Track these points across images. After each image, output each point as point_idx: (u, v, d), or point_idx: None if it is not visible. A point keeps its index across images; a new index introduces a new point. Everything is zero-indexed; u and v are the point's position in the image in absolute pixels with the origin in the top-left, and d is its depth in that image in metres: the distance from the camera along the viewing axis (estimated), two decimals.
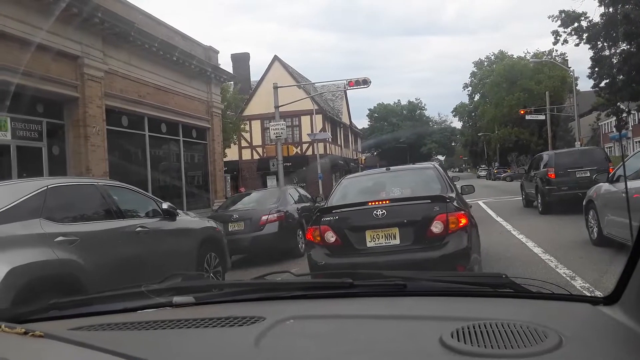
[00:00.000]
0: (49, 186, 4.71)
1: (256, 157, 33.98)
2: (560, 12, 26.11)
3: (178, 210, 6.36)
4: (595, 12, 26.54)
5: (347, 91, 36.91)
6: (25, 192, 4.49)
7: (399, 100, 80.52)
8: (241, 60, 35.08)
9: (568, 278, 5.67)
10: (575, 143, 28.95)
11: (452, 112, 78.50)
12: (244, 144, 33.00)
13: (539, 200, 13.19)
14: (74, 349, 1.15)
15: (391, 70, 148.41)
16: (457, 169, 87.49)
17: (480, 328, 1.09)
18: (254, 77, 36.15)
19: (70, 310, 1.54)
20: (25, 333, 1.24)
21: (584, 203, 8.14)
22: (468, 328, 1.09)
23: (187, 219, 6.70)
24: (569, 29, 26.12)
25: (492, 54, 64.90)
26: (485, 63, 64.52)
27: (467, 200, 6.66)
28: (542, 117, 36.23)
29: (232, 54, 35.13)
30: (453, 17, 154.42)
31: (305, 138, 32.44)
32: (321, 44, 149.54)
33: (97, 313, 1.50)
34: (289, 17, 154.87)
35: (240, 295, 1.56)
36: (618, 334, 1.08)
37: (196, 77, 15.35)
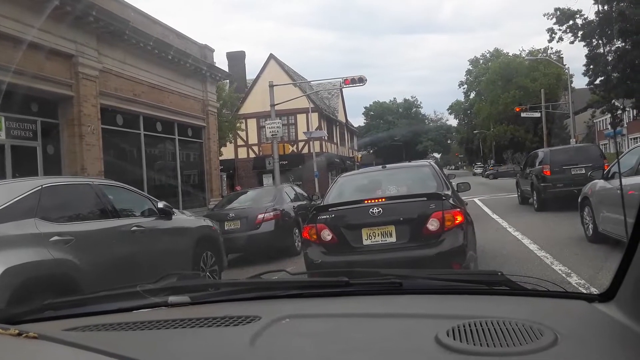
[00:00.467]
0: (43, 186, 4.69)
1: (252, 155, 33.93)
2: (556, 9, 26.23)
3: (174, 209, 6.34)
4: (590, 10, 26.68)
5: (343, 89, 36.89)
6: (19, 191, 4.47)
7: (394, 98, 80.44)
8: (237, 59, 34.97)
9: (564, 275, 5.70)
10: (571, 140, 29.04)
11: (448, 109, 78.78)
12: (239, 142, 32.94)
13: (535, 198, 13.24)
14: (69, 350, 1.14)
15: (388, 68, 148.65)
16: (453, 167, 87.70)
17: (476, 326, 1.09)
18: (250, 75, 36.11)
19: (65, 311, 1.53)
20: (19, 334, 1.23)
21: (579, 200, 8.18)
22: (464, 326, 1.09)
23: (183, 218, 6.69)
24: (564, 27, 26.25)
25: (487, 51, 65.04)
26: (481, 61, 64.65)
27: (462, 198, 6.68)
28: (537, 114, 36.32)
29: (227, 53, 35.04)
30: (450, 15, 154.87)
31: (301, 136, 32.41)
32: (318, 42, 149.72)
33: (92, 313, 1.49)
34: (286, 15, 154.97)
35: (236, 295, 1.55)
36: (613, 331, 1.08)
37: (192, 76, 15.31)
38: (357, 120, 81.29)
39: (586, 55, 25.13)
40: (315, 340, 1.16)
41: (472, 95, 66.96)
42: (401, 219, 4.97)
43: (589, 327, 1.14)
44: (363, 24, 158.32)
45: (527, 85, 47.48)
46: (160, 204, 5.95)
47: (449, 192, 5.45)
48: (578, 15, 26.21)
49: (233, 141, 29.50)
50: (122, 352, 1.09)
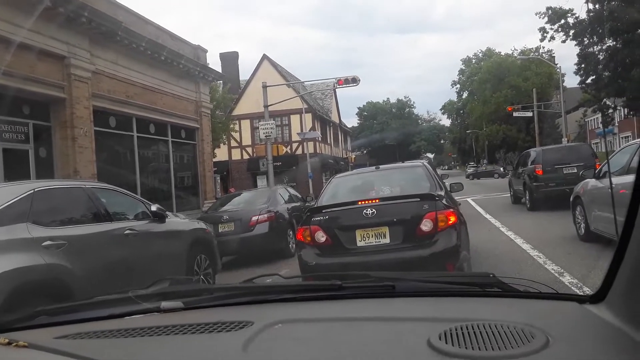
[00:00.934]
0: (35, 189, 4.65)
1: (246, 157, 33.87)
2: (548, 9, 26.36)
3: (167, 212, 6.32)
4: (581, 9, 26.83)
5: (336, 90, 36.89)
6: (11, 195, 4.43)
7: (388, 98, 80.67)
8: (230, 60, 34.89)
9: (556, 274, 5.73)
10: (562, 139, 29.22)
11: (441, 109, 78.97)
12: (233, 143, 32.87)
13: (527, 197, 13.30)
14: (59, 359, 1.13)
15: (381, 68, 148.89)
16: (446, 167, 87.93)
17: (467, 329, 1.10)
18: (243, 76, 36.04)
19: (56, 318, 1.52)
20: (9, 343, 1.22)
21: (571, 199, 8.23)
22: (456, 329, 1.09)
23: (177, 221, 6.67)
24: (555, 26, 26.37)
25: (480, 51, 65.40)
26: (473, 60, 64.92)
27: (456, 198, 6.70)
28: (529, 114, 36.51)
29: (220, 53, 34.94)
30: (443, 15, 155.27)
31: (294, 137, 32.39)
32: (312, 42, 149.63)
33: (84, 320, 1.48)
34: (280, 15, 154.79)
35: (228, 300, 1.55)
36: (604, 333, 1.09)
37: (185, 77, 15.26)
38: (351, 120, 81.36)
39: (577, 54, 25.28)
40: (308, 345, 1.16)
41: (465, 94, 67.23)
42: (395, 219, 4.98)
43: (580, 329, 1.15)
44: (357, 23, 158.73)
45: (519, 85, 47.74)
46: (154, 207, 5.93)
47: (442, 193, 5.47)
48: (569, 14, 26.35)
49: (227, 142, 29.43)
50: (114, 359, 1.09)
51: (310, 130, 30.85)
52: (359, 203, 5.16)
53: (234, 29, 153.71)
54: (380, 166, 6.77)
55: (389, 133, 68.77)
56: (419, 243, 4.89)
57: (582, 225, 7.60)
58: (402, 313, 1.33)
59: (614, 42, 22.73)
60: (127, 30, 11.79)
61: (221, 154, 28.98)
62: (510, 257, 7.08)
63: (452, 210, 5.03)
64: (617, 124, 40.61)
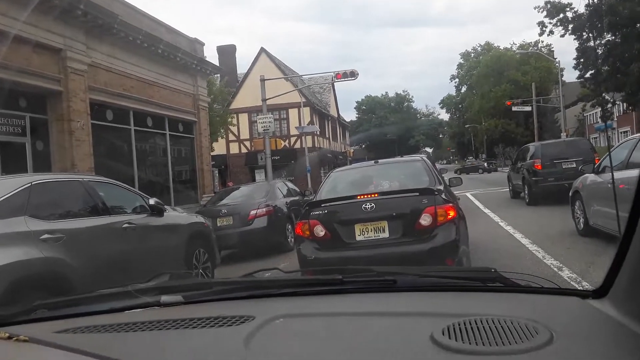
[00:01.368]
0: (33, 183, 4.63)
1: (244, 150, 33.83)
2: (546, 2, 26.27)
3: (165, 206, 6.30)
4: (580, 3, 26.69)
5: (334, 84, 36.80)
6: (8, 189, 4.41)
7: (386, 92, 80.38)
8: (227, 53, 34.77)
9: (555, 269, 5.73)
10: (561, 134, 29.23)
11: (440, 104, 79.10)
12: (231, 137, 32.82)
13: (526, 192, 13.32)
14: (60, 354, 1.12)
15: (380, 62, 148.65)
16: (445, 161, 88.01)
17: (471, 324, 1.09)
18: (241, 69, 35.93)
19: (56, 311, 1.52)
20: (10, 337, 1.21)
21: (570, 194, 8.23)
22: (459, 324, 1.09)
23: (175, 215, 6.66)
24: (554, 20, 26.30)
25: (479, 45, 65.34)
26: (472, 55, 64.89)
27: (454, 192, 6.69)
28: (528, 108, 36.49)
29: (218, 46, 34.82)
30: (442, 8, 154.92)
31: (293, 131, 32.36)
32: (310, 35, 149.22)
33: (84, 314, 1.47)
34: (277, 8, 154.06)
35: (229, 294, 1.54)
36: (608, 328, 1.08)
37: (182, 70, 15.19)
38: (349, 114, 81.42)
39: (576, 49, 25.24)
40: (309, 340, 1.15)
41: (464, 89, 67.25)
42: (394, 214, 4.97)
43: (584, 324, 1.14)
44: (355, 17, 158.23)
45: (518, 79, 47.73)
46: (152, 201, 5.91)
47: (442, 187, 5.46)
48: (568, 9, 26.28)
49: (225, 136, 29.38)
50: (114, 354, 1.08)
51: (308, 124, 30.82)
52: (358, 197, 5.15)
53: (231, 22, 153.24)
54: (379, 160, 6.75)
55: (388, 127, 68.77)
56: (418, 237, 4.88)
57: (581, 220, 7.61)
58: (404, 308, 1.33)
59: (613, 37, 22.68)
60: (124, 22, 11.72)
61: (219, 148, 28.95)
62: (509, 251, 7.08)
63: (451, 204, 5.03)
64: (616, 119, 40.68)
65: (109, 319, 1.39)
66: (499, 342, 1.00)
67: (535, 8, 26.87)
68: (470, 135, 68.02)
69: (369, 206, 4.99)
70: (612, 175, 6.50)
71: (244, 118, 32.75)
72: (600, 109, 35.26)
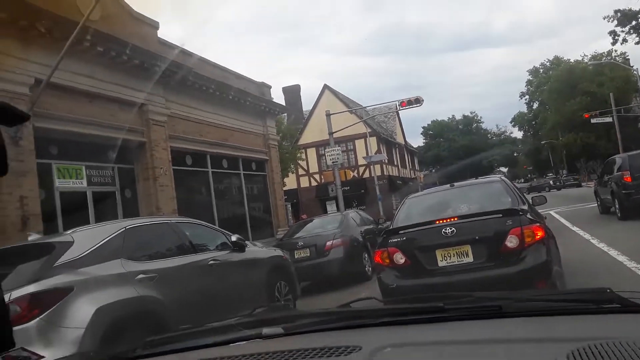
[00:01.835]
0: (127, 227, 4.96)
1: (314, 183, 34.30)
2: (616, 11, 25.10)
3: (246, 242, 6.49)
4: None
5: (399, 111, 36.70)
6: (105, 234, 4.75)
7: (453, 115, 78.65)
8: (293, 92, 35.90)
9: None
10: None
11: (511, 122, 76.08)
12: (301, 172, 33.45)
13: (617, 206, 12.43)
14: None
15: (444, 86, 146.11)
16: (522, 180, 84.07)
17: (597, 348, 1.02)
18: (306, 106, 36.88)
19: (164, 347, 1.58)
20: None
21: None
22: (584, 350, 1.02)
23: (256, 249, 6.82)
24: (627, 28, 24.98)
25: (547, 60, 62.80)
26: (541, 70, 62.47)
27: (540, 211, 6.38)
28: (608, 119, 34.38)
29: (283, 87, 36.05)
30: (504, 28, 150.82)
31: (361, 161, 32.46)
32: (371, 68, 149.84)
33: (191, 348, 1.53)
34: (338, 45, 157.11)
35: (329, 324, 1.53)
36: None
37: (252, 113, 15.84)
38: (416, 140, 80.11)
39: None
40: None
41: (535, 105, 64.56)
42: (477, 237, 4.81)
43: None
44: (415, 45, 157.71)
45: (594, 91, 45.19)
46: (234, 237, 6.11)
47: (526, 207, 5.23)
48: None
49: (295, 171, 29.98)
50: None
51: (376, 154, 30.80)
52: (437, 222, 5.04)
53: (294, 62, 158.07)
54: (455, 183, 6.59)
55: (458, 150, 67.07)
56: (505, 261, 4.68)
57: None
58: (514, 334, 1.26)
59: None
60: (197, 74, 12.48)
61: (290, 183, 29.55)
62: (606, 270, 6.59)
63: (538, 224, 4.80)
64: None
65: (214, 353, 1.43)
66: None
67: (604, 18, 25.73)
68: (547, 152, 64.82)
69: (449, 230, 4.86)
70: None
71: (312, 152, 33.37)
72: None
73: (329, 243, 9.56)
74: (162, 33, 12.36)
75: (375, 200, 27.76)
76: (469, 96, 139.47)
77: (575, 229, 11.70)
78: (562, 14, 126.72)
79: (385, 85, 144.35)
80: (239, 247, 6.09)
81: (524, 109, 69.45)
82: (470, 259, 4.80)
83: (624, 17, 25.10)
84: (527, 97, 66.16)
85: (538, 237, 4.67)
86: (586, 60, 49.09)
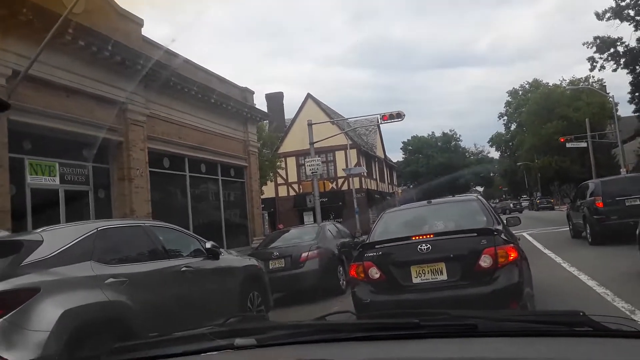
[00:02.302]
0: (98, 229, 4.84)
1: (292, 193, 34.25)
2: (595, 38, 25.86)
3: (221, 249, 6.40)
4: (631, 37, 26.03)
5: (380, 125, 37.01)
6: (75, 235, 4.62)
7: (433, 132, 79.64)
8: (275, 99, 35.93)
9: (628, 312, 5.38)
10: (621, 170, 27.94)
11: (489, 142, 77.39)
12: (279, 180, 33.37)
13: (588, 231, 12.69)
14: None
15: (425, 102, 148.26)
16: (497, 200, 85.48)
17: None
18: (288, 115, 36.90)
19: (135, 354, 1.54)
20: None
21: (637, 232, 7.77)
22: None
23: (230, 258, 6.74)
24: (605, 55, 25.76)
25: (526, 82, 64.26)
26: (520, 92, 63.89)
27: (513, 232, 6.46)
28: (583, 144, 35.28)
29: (266, 94, 36.08)
30: (487, 48, 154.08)
31: (340, 173, 32.57)
32: (355, 80, 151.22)
33: (160, 357, 1.50)
34: (323, 56, 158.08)
35: (303, 337, 1.52)
36: None
37: (233, 118, 15.76)
38: (396, 155, 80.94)
39: (630, 83, 24.46)
40: None
41: (513, 127, 65.88)
42: (451, 255, 4.84)
43: None
44: (399, 60, 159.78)
45: (570, 115, 46.37)
46: (208, 244, 6.03)
47: (500, 227, 5.29)
48: (619, 43, 25.70)
49: (273, 180, 29.89)
50: None
51: (355, 166, 30.93)
52: (413, 238, 5.06)
53: (278, 70, 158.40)
54: (432, 200, 6.64)
55: (436, 167, 67.86)
56: (478, 280, 4.71)
57: None
58: (488, 353, 1.27)
59: None
60: (180, 75, 12.37)
61: (268, 191, 29.42)
62: (575, 294, 6.71)
63: (512, 245, 4.85)
64: None
65: None
66: None
67: (584, 44, 26.47)
68: (523, 173, 66.08)
69: (425, 247, 4.88)
70: None
71: (291, 161, 33.34)
72: None
73: (304, 254, 9.51)
74: (146, 31, 12.26)
75: (352, 213, 27.83)
76: (449, 114, 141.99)
77: (546, 251, 11.90)
78: (543, 38, 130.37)
79: (368, 98, 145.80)
80: (213, 254, 6.00)
81: (502, 129, 70.85)
82: (445, 276, 4.82)
83: (603, 44, 25.89)
84: (505, 118, 67.59)
85: (511, 257, 4.72)
86: (564, 85, 50.40)
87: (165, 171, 12.57)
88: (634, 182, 12.96)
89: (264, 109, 21.85)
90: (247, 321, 2.06)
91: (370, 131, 39.87)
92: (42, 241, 4.31)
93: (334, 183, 33.73)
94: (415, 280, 4.90)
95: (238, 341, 1.48)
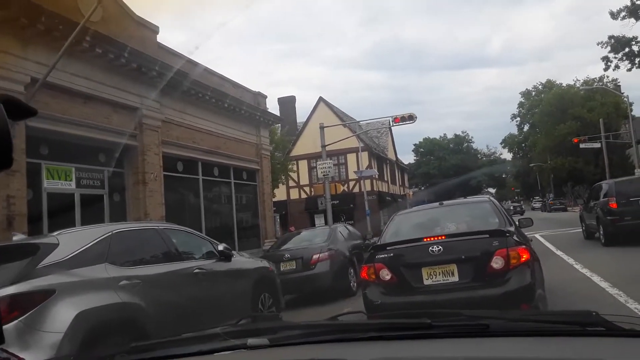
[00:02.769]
0: (113, 232, 4.93)
1: (304, 196, 34.29)
2: (610, 37, 25.56)
3: (233, 251, 6.47)
4: None
5: (392, 127, 36.93)
6: (91, 238, 4.71)
7: (444, 134, 79.26)
8: (287, 103, 36.08)
9: None
10: (635, 170, 27.57)
11: (501, 143, 76.77)
12: (291, 183, 33.43)
13: (601, 232, 12.57)
14: None
15: (437, 104, 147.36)
16: (509, 202, 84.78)
17: None
18: (300, 118, 36.97)
19: (150, 353, 1.58)
20: None
21: None
22: None
23: (242, 260, 6.80)
24: (619, 55, 25.44)
25: (539, 83, 63.68)
26: (533, 93, 63.32)
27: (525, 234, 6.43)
28: (597, 145, 34.84)
29: (279, 98, 36.23)
30: (499, 49, 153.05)
31: (351, 175, 32.52)
32: (367, 82, 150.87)
33: (175, 356, 1.53)
34: (335, 59, 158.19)
35: (315, 337, 1.53)
36: None
37: (246, 122, 15.87)
38: (407, 157, 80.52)
39: None
40: None
41: (526, 128, 65.32)
42: (463, 257, 4.84)
43: None
44: (411, 62, 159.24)
45: (584, 116, 45.87)
46: (221, 247, 6.10)
47: (512, 229, 5.27)
48: (634, 42, 25.39)
49: (285, 183, 29.97)
50: None
51: (367, 168, 30.90)
52: (425, 240, 5.06)
53: (291, 73, 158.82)
54: (444, 202, 6.63)
55: (447, 169, 67.48)
56: (490, 282, 4.70)
57: None
58: (499, 354, 1.27)
59: None
60: (194, 80, 12.50)
61: (280, 194, 29.48)
62: (587, 295, 6.65)
63: (524, 246, 4.84)
64: None
65: None
66: None
67: (598, 44, 26.17)
68: (535, 175, 65.46)
69: (437, 249, 4.89)
70: None
71: (303, 164, 33.40)
72: None
73: (315, 256, 9.55)
74: (161, 38, 12.42)
75: (363, 216, 27.78)
76: (461, 115, 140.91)
77: (559, 253, 11.81)
78: (557, 37, 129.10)
79: (379, 100, 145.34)
80: (226, 256, 6.07)
81: (515, 130, 70.28)
82: (456, 278, 4.82)
83: (617, 44, 25.57)
84: (518, 119, 67.00)
85: (523, 259, 4.71)
86: (578, 85, 49.90)
87: (179, 175, 12.70)
88: None
89: (277, 112, 21.98)
90: (259, 321, 2.09)
91: (382, 133, 39.78)
92: (58, 244, 4.40)
93: (345, 185, 33.71)
94: (427, 282, 4.91)
95: (251, 341, 1.50)
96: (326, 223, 19.78)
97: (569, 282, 7.78)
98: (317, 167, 20.08)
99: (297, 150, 32.97)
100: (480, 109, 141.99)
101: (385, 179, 39.51)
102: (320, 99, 35.49)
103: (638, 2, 24.78)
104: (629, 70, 25.26)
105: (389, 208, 33.20)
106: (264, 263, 7.34)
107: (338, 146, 22.91)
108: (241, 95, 15.61)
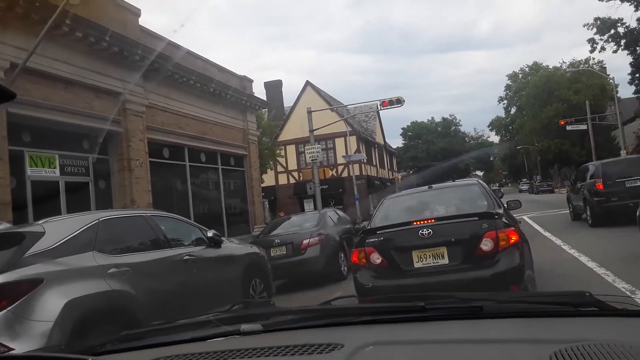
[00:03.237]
0: (100, 219, 4.85)
1: (292, 181, 34.26)
2: (596, 19, 25.64)
3: (222, 238, 6.43)
4: (631, 18, 25.80)
5: (380, 111, 36.87)
6: (77, 226, 4.63)
7: (432, 117, 79.37)
8: (274, 88, 35.78)
9: (628, 292, 5.41)
10: (621, 152, 27.91)
11: (489, 126, 77.18)
12: (279, 169, 33.35)
13: (588, 213, 12.73)
14: None
15: (425, 88, 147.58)
16: (497, 184, 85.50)
17: (578, 350, 1.03)
18: (287, 102, 36.75)
19: (140, 341, 1.56)
20: None
21: (637, 213, 7.80)
22: (567, 351, 1.03)
23: (232, 246, 6.77)
24: (605, 36, 25.57)
25: (526, 65, 63.87)
26: (520, 75, 63.53)
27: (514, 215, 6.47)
28: (583, 127, 35.19)
29: (265, 82, 35.92)
30: (488, 31, 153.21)
31: (340, 160, 32.54)
32: (354, 66, 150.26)
33: (167, 343, 1.50)
34: (322, 42, 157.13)
35: (309, 322, 1.53)
36: None
37: (232, 107, 15.70)
38: (396, 141, 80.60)
39: (630, 64, 24.33)
40: None
41: (513, 110, 65.68)
42: (453, 239, 4.86)
43: None
44: (399, 45, 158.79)
45: (570, 98, 46.17)
46: (210, 233, 6.05)
47: (501, 211, 5.30)
48: (619, 24, 25.50)
49: (273, 168, 29.88)
50: None
51: (355, 153, 30.91)
52: (414, 223, 5.08)
53: (277, 57, 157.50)
54: (433, 185, 6.64)
55: (436, 152, 67.78)
56: (479, 263, 4.74)
57: None
58: (494, 335, 1.27)
59: None
60: (178, 65, 12.30)
61: (268, 179, 29.42)
62: (575, 276, 6.75)
63: (513, 228, 4.87)
64: None
65: (191, 348, 1.41)
66: None
67: (584, 26, 26.26)
68: (522, 157, 66.04)
69: (426, 232, 4.90)
70: None
71: (291, 149, 33.29)
72: None
73: (305, 241, 9.55)
74: (143, 21, 12.16)
75: (352, 200, 27.87)
76: (449, 99, 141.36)
77: (547, 234, 11.95)
78: (544, 19, 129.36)
79: (367, 84, 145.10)
80: (215, 242, 6.03)
81: (502, 113, 70.59)
82: (446, 260, 4.85)
83: (603, 25, 25.68)
84: (505, 101, 67.26)
85: (512, 241, 4.74)
86: (564, 67, 50.11)
87: (165, 161, 12.56)
88: (634, 163, 12.95)
89: (263, 97, 21.79)
90: (252, 307, 2.08)
91: (370, 118, 39.76)
92: (44, 232, 4.32)
93: (334, 170, 33.73)
94: (417, 265, 4.93)
95: (244, 327, 1.49)
96: (315, 208, 19.80)
97: (557, 263, 7.87)
98: (305, 152, 19.97)
99: (284, 135, 32.82)
100: (469, 92, 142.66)
101: (374, 163, 39.59)
102: (308, 83, 35.28)
103: None
104: (615, 52, 25.43)
105: (378, 192, 33.32)
106: (254, 249, 7.32)
107: (326, 130, 22.85)
108: (227, 79, 15.42)
